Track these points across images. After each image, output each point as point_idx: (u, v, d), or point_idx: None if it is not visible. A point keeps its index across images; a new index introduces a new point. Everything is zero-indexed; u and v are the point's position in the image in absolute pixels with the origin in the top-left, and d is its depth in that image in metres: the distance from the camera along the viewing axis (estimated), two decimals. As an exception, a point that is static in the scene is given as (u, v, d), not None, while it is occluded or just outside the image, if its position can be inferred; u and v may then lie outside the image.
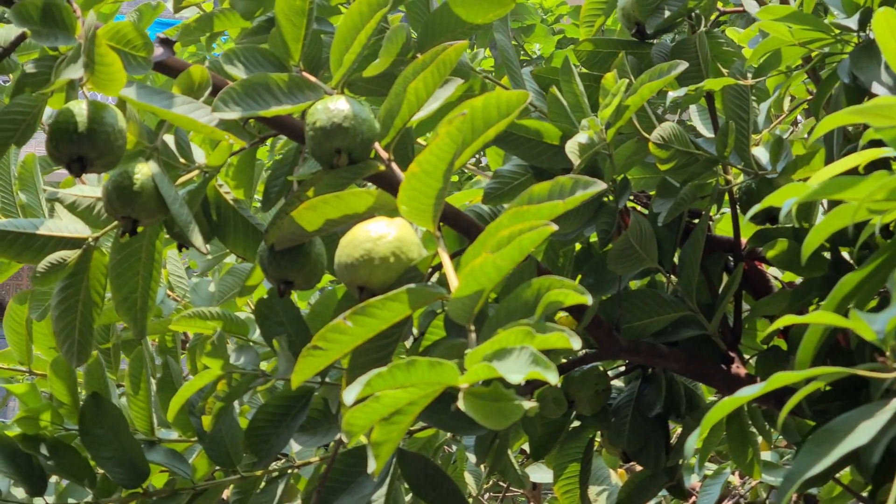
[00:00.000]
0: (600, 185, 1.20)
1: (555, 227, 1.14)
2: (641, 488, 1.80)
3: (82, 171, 1.26)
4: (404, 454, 1.55)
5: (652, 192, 1.79)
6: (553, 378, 0.99)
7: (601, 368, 1.79)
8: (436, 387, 1.04)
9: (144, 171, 1.32)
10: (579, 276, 1.77)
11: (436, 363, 1.01)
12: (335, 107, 1.33)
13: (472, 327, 1.18)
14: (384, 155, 1.37)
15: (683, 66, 1.48)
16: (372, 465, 1.06)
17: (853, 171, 1.06)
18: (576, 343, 1.06)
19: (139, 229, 1.36)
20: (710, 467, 2.23)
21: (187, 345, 2.20)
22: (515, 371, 1.00)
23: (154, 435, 1.89)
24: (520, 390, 1.69)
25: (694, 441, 0.95)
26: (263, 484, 1.81)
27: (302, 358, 1.11)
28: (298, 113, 1.39)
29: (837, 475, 1.96)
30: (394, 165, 1.37)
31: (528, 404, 1.04)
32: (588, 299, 1.11)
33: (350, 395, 0.99)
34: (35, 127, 1.29)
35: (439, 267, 1.53)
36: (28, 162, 2.31)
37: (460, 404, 1.03)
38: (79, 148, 1.26)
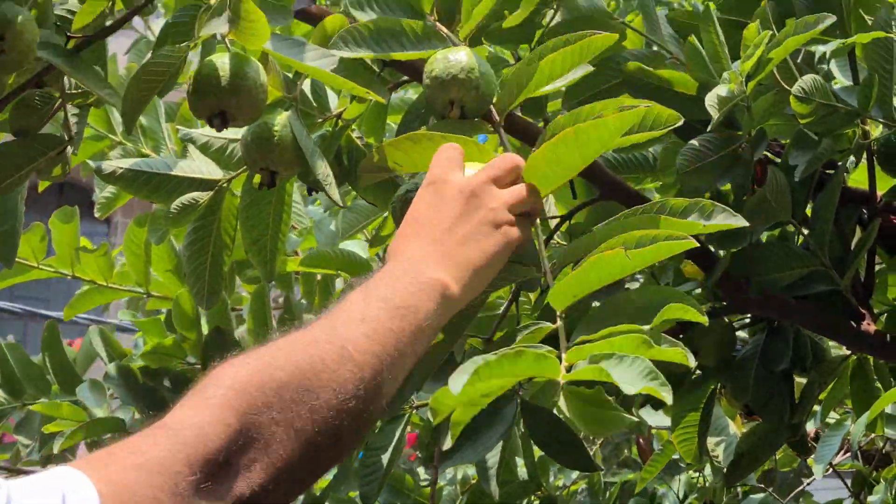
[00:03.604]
0: (743, 222, 1.18)
1: (696, 244, 1.14)
2: (763, 442, 1.77)
3: (224, 125, 1.25)
4: (527, 406, 1.54)
5: (784, 141, 1.75)
6: (668, 398, 0.98)
7: (726, 319, 1.76)
8: (535, 376, 1.03)
9: (283, 122, 1.31)
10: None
11: (542, 357, 1.00)
12: (454, 58, 1.31)
13: (563, 315, 1.17)
14: (496, 118, 1.35)
15: (831, 19, 1.43)
16: (448, 443, 1.06)
17: None
18: (692, 360, 1.04)
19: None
20: (832, 415, 2.19)
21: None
22: (630, 382, 0.98)
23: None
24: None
25: (861, 428, 0.93)
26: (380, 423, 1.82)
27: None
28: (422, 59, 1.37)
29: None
30: (502, 131, 1.35)
31: (631, 419, 1.03)
32: (705, 320, 1.10)
33: (457, 384, 0.98)
34: (177, 78, 1.28)
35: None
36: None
37: (561, 403, 1.02)
38: (221, 102, 1.25)
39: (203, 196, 1.48)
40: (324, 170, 1.28)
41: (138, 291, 2.52)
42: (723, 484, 2.30)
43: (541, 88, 1.32)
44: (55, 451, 2.08)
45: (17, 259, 2.52)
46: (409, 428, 1.84)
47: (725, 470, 1.85)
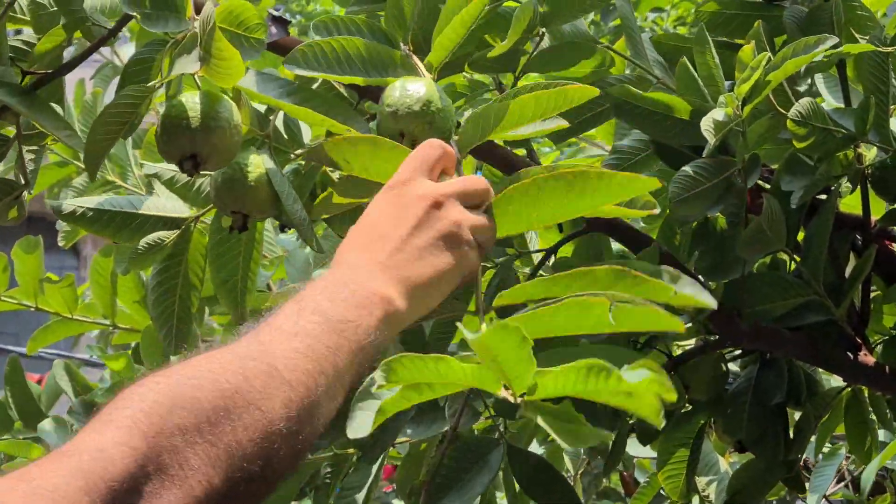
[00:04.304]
0: (712, 303, 1.03)
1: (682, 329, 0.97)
2: (756, 480, 1.71)
3: (195, 169, 1.17)
4: (513, 450, 1.47)
5: (774, 166, 1.68)
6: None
7: (718, 351, 1.69)
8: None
9: (257, 163, 1.23)
10: (696, 254, 1.67)
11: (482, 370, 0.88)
12: (412, 88, 1.22)
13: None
14: (457, 155, 1.24)
15: (833, 40, 1.37)
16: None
17: None
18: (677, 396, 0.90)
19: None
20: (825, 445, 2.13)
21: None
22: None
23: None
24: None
25: (872, 476, 0.85)
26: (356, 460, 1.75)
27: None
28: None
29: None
30: (461, 169, 1.24)
31: (604, 434, 0.92)
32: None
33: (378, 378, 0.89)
34: (141, 118, 1.20)
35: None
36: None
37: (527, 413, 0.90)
38: (192, 145, 1.17)
39: (169, 235, 1.40)
40: (300, 214, 1.20)
41: (104, 324, 2.44)
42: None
43: (508, 131, 1.21)
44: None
45: (-23, 291, 2.44)
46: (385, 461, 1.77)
47: (717, 510, 1.78)
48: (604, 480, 3.00)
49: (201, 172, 1.18)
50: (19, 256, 2.35)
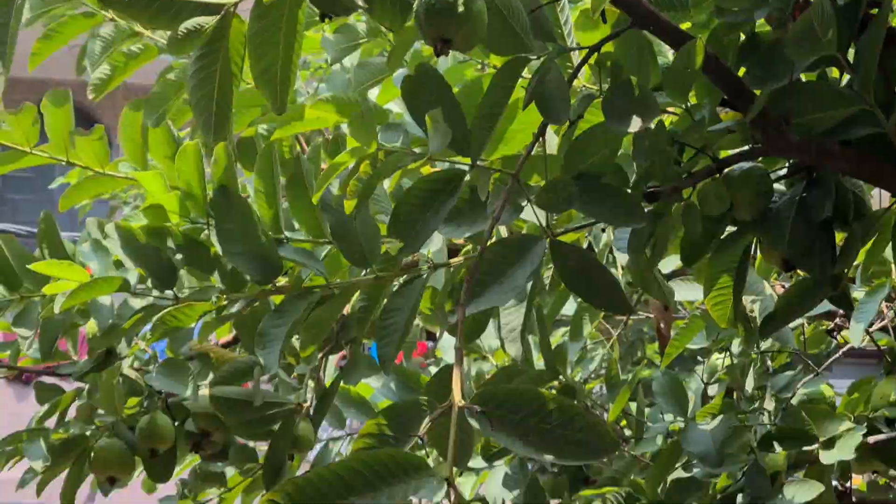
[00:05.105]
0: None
1: None
2: (803, 297, 1.68)
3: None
4: (557, 244, 1.45)
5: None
6: None
7: (763, 167, 1.66)
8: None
9: None
10: (743, 70, 1.63)
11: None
12: None
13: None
14: None
15: None
16: None
17: None
18: None
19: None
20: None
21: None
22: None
23: (282, 233, 1.80)
24: (679, 182, 1.58)
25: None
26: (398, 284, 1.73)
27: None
28: None
29: None
30: None
31: None
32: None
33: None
34: None
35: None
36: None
37: None
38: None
39: (209, 21, 1.37)
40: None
41: (135, 179, 2.41)
42: (751, 360, 2.20)
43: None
44: (56, 311, 1.96)
45: (8, 144, 2.41)
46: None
47: (760, 323, 1.74)
48: (638, 352, 2.99)
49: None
50: (48, 110, 2.32)
